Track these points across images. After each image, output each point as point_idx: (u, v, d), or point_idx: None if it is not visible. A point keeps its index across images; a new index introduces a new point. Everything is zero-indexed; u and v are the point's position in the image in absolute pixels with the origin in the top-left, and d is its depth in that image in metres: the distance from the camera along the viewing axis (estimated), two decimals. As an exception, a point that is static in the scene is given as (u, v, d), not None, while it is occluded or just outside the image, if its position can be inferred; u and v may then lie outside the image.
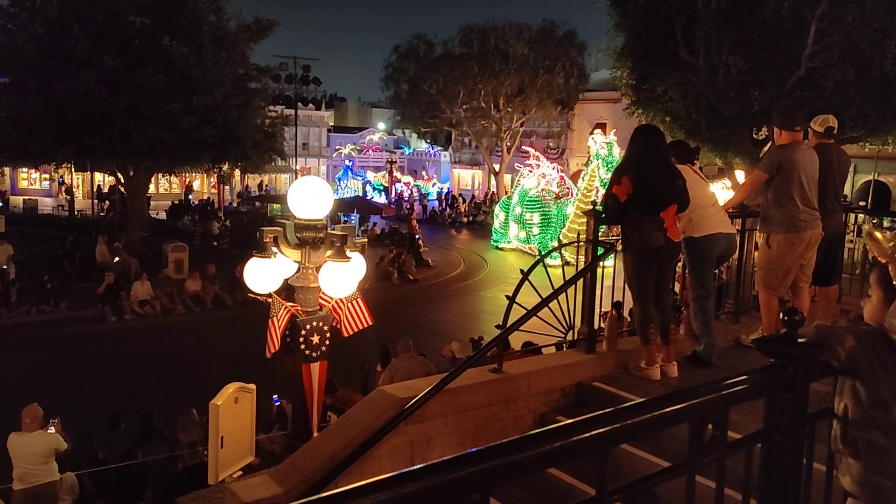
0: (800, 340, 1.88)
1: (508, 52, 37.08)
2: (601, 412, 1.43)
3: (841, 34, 14.26)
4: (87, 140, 19.19)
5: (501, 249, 26.54)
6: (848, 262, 7.81)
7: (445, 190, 46.02)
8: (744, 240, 6.17)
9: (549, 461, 1.41)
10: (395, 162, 45.26)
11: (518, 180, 26.64)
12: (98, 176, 34.53)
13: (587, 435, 1.34)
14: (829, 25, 14.43)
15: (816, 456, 2.17)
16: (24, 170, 39.54)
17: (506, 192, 40.84)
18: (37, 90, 19.32)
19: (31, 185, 43.09)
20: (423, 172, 49.29)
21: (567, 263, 6.52)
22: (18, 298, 15.90)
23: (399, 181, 43.73)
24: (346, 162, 48.21)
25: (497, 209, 28.23)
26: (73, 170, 28.38)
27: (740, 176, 18.75)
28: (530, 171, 25.60)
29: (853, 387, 2.21)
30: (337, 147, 50.27)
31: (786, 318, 1.91)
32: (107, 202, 34.01)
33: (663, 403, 1.56)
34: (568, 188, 25.18)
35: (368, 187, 43.06)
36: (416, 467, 1.12)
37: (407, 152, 54.31)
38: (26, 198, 36.83)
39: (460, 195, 43.97)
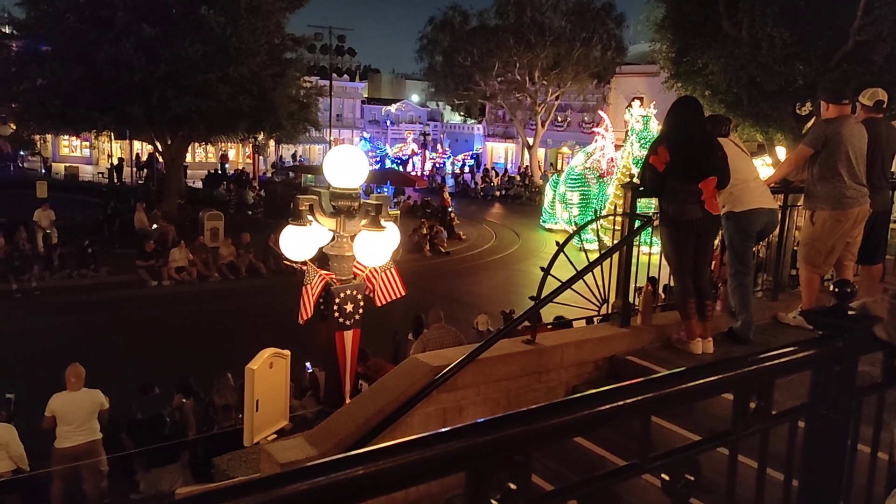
0: (850, 313, 1.83)
1: (545, 24, 36.49)
2: (650, 377, 1.42)
3: (891, 7, 13.77)
4: (127, 108, 19.46)
5: (550, 230, 24.76)
6: (892, 243, 7.60)
7: (466, 161, 44.94)
8: (785, 216, 6.04)
9: (595, 423, 1.41)
10: (429, 134, 44.87)
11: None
12: (136, 145, 35.05)
13: (633, 399, 1.34)
14: (880, -3, 13.93)
15: (861, 438, 2.12)
16: (66, 137, 40.32)
17: (539, 167, 40.49)
18: (77, 58, 19.58)
19: (72, 152, 43.97)
20: (438, 145, 48.64)
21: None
22: (60, 262, 16.36)
23: (417, 154, 43.16)
24: (365, 134, 47.81)
25: (547, 187, 26.70)
26: (112, 137, 28.88)
27: (781, 152, 18.31)
28: (601, 138, 24.52)
29: None
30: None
31: (836, 290, 1.86)
32: (145, 170, 34.57)
33: (708, 372, 1.54)
34: (614, 166, 23.64)
35: (387, 161, 42.43)
36: (463, 425, 1.11)
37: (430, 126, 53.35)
38: (67, 165, 37.59)
39: (493, 168, 43.58)
